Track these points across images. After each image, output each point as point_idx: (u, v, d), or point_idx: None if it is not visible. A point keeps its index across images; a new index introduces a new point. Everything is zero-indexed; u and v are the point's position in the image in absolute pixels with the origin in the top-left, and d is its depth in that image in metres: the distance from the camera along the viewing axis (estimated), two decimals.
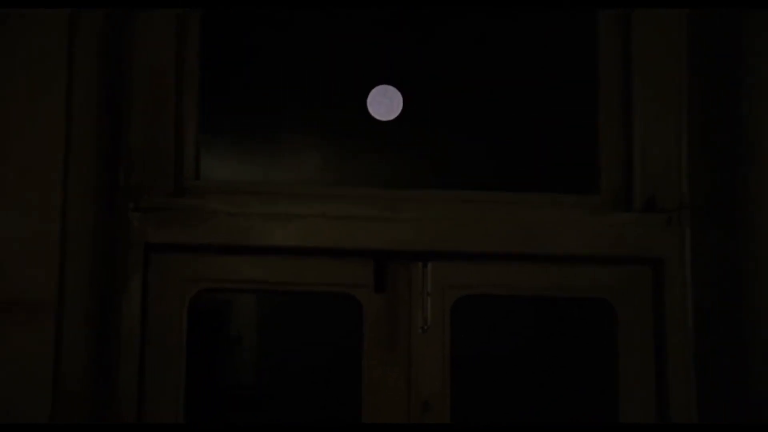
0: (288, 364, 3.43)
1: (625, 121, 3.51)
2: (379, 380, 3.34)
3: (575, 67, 3.60)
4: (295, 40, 3.54)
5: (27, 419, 2.95)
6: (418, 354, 3.35)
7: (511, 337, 3.48)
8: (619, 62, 3.54)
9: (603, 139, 3.52)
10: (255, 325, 3.47)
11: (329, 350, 3.41)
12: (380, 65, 3.54)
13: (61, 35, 3.10)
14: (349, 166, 3.54)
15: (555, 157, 3.57)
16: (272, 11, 3.52)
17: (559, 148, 3.58)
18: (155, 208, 3.26)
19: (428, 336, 3.34)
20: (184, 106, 3.38)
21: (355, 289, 3.38)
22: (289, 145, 3.54)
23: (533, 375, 3.46)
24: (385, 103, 3.49)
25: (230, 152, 3.49)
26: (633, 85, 3.50)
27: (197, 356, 3.30)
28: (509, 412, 3.41)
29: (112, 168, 3.24)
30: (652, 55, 3.50)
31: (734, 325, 3.36)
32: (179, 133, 3.36)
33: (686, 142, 3.46)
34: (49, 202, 3.05)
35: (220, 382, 3.41)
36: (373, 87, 3.52)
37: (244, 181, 3.43)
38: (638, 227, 3.41)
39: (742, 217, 3.40)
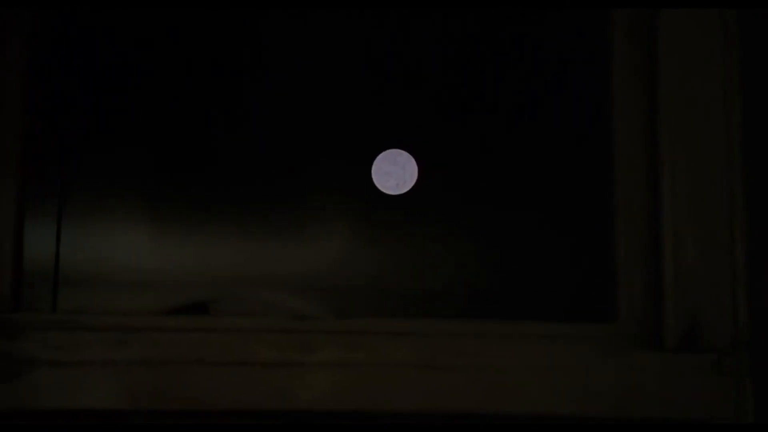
0: None
1: (651, 209, 2.41)
2: None
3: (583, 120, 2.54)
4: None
5: None
6: None
7: None
8: (644, 118, 2.46)
9: (619, 239, 2.41)
10: None
11: None
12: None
13: None
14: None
15: (547, 266, 2.49)
16: None
17: (555, 251, 2.50)
18: None
19: None
20: None
21: None
22: (172, 240, 2.46)
23: None
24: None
25: (79, 271, 2.40)
26: (661, 152, 2.41)
27: None
28: None
29: None
30: (687, 113, 2.41)
31: None
32: None
33: (743, 243, 2.38)
34: None
35: None
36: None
37: (88, 311, 2.31)
38: (673, 374, 2.29)
39: None
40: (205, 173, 2.50)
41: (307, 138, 2.53)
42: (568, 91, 2.57)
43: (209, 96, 2.52)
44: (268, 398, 2.23)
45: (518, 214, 2.54)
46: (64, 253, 2.43)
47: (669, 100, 2.43)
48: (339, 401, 2.25)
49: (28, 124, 2.33)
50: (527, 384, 2.29)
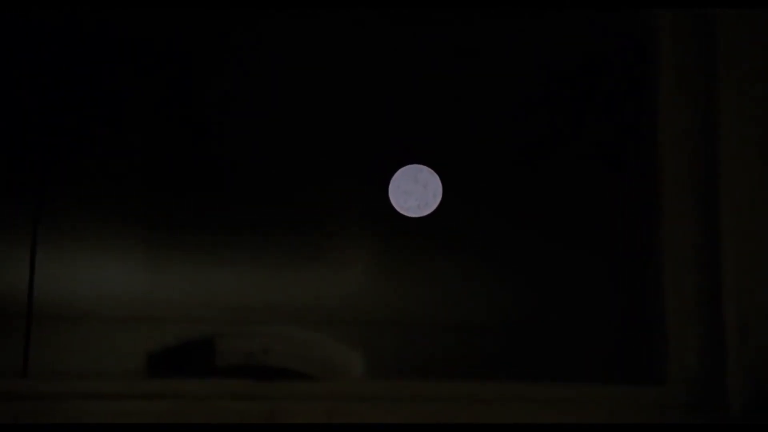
0: None
1: (707, 244, 1.96)
2: None
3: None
4: None
5: None
6: None
7: None
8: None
9: (668, 282, 1.97)
10: None
11: None
12: None
13: None
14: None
15: (582, 317, 2.05)
16: None
17: (592, 297, 2.06)
18: None
19: None
20: None
21: None
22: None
23: None
24: None
25: None
26: (720, 171, 1.96)
27: None
28: None
29: None
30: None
31: None
32: None
33: None
34: None
35: None
36: None
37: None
38: None
39: None
40: (209, 195, 2.10)
41: (316, 152, 2.14)
42: (613, 121, 2.16)
43: (212, 108, 2.13)
44: None
45: (551, 248, 2.12)
46: (39, 284, 2.03)
47: (727, 115, 2.00)
48: None
49: None
50: None
